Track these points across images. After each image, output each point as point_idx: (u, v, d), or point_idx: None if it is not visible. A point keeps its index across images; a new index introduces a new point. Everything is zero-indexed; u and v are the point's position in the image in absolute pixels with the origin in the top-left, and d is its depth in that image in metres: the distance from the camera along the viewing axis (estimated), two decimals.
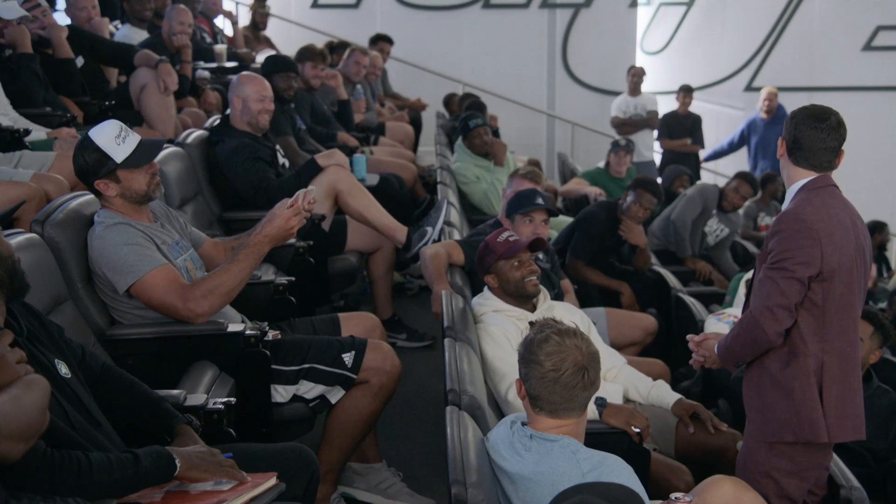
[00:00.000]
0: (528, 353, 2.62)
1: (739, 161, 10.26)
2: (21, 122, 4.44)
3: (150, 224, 3.36)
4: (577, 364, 2.56)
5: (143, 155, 3.28)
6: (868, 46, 12.01)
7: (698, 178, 10.09)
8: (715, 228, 7.19)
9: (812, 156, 3.01)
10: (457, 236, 4.78)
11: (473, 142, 6.68)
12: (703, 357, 3.26)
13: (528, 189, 4.55)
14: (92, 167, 3.24)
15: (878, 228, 8.96)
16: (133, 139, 3.28)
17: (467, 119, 6.81)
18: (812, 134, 2.99)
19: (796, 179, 3.05)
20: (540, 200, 4.37)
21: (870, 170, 11.38)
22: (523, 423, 2.68)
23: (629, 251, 6.05)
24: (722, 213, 7.21)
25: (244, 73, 5.30)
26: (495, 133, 7.19)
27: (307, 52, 6.76)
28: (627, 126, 9.85)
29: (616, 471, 2.52)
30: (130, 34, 6.63)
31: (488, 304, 3.76)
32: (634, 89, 10.05)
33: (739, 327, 3.07)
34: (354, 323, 3.92)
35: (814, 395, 2.98)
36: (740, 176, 7.44)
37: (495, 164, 6.69)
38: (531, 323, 2.85)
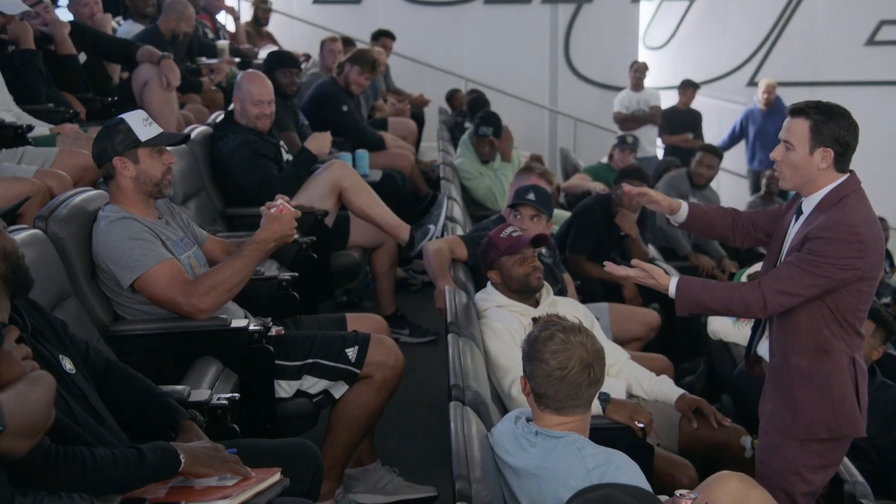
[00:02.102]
0: (533, 350, 2.61)
1: (739, 155, 10.26)
2: (24, 119, 4.43)
3: (155, 220, 3.36)
4: (582, 362, 2.56)
5: (164, 139, 3.39)
6: (871, 41, 11.98)
7: None
8: None
9: (850, 158, 2.98)
10: (460, 232, 4.78)
11: (478, 146, 6.68)
12: (638, 274, 3.07)
13: (525, 185, 4.54)
14: (115, 143, 3.29)
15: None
16: (157, 128, 3.39)
17: (479, 123, 6.73)
18: (856, 139, 2.95)
19: (827, 184, 2.96)
20: (530, 196, 4.33)
21: (872, 164, 11.32)
22: (528, 419, 2.67)
23: (630, 245, 6.04)
24: (697, 192, 7.24)
25: (248, 71, 5.29)
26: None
27: (360, 57, 6.68)
28: (630, 121, 9.83)
29: (621, 468, 2.52)
30: (133, 30, 6.62)
31: (491, 299, 3.76)
32: (637, 85, 10.03)
33: (737, 293, 2.98)
34: (362, 324, 3.90)
35: (850, 391, 2.98)
36: (702, 149, 7.56)
37: (502, 159, 6.69)
38: (534, 319, 2.84)
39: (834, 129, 2.91)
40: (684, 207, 3.28)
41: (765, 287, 2.94)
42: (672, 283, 3.05)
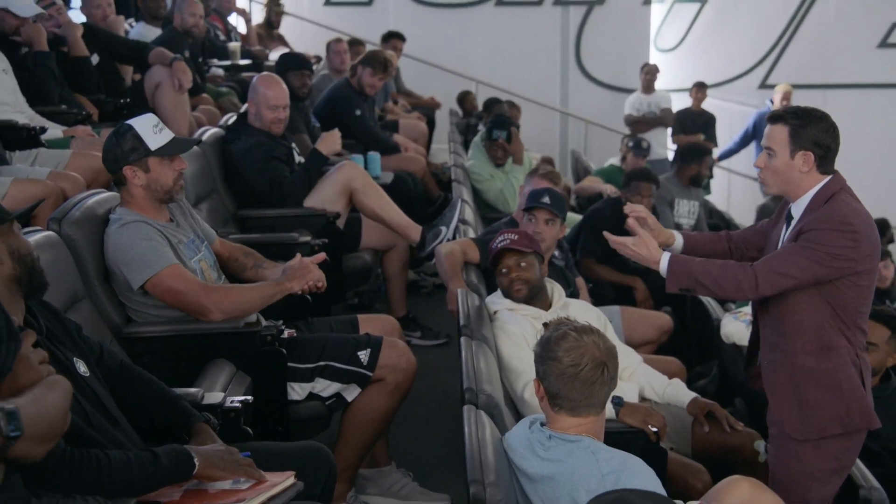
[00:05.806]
0: (546, 350, 2.61)
1: (751, 158, 10.22)
2: (37, 120, 4.44)
3: (167, 223, 3.36)
4: (595, 359, 2.55)
5: (175, 147, 3.35)
6: (884, 43, 11.94)
7: (711, 176, 10.02)
8: (686, 210, 7.09)
9: (833, 160, 3.01)
10: (471, 234, 4.77)
11: (491, 150, 6.68)
12: (632, 249, 3.07)
13: (539, 188, 4.53)
14: (125, 152, 3.27)
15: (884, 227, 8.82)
16: (168, 133, 3.35)
17: (492, 127, 6.73)
18: (836, 140, 2.99)
19: (811, 186, 3.00)
20: (545, 199, 4.32)
21: (884, 167, 11.33)
22: (542, 424, 2.66)
23: None
24: (683, 190, 7.07)
25: (264, 74, 5.26)
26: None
27: (372, 59, 6.65)
28: (641, 124, 9.81)
29: (636, 473, 2.50)
30: (145, 32, 6.64)
31: (503, 302, 3.75)
32: (648, 87, 10.01)
33: (730, 269, 2.98)
34: (374, 325, 3.90)
35: (859, 384, 3.00)
36: (687, 152, 7.33)
37: (514, 161, 6.68)
38: (545, 324, 2.83)
39: (812, 132, 2.97)
40: (678, 239, 3.29)
41: (757, 267, 2.97)
42: (665, 257, 3.05)
